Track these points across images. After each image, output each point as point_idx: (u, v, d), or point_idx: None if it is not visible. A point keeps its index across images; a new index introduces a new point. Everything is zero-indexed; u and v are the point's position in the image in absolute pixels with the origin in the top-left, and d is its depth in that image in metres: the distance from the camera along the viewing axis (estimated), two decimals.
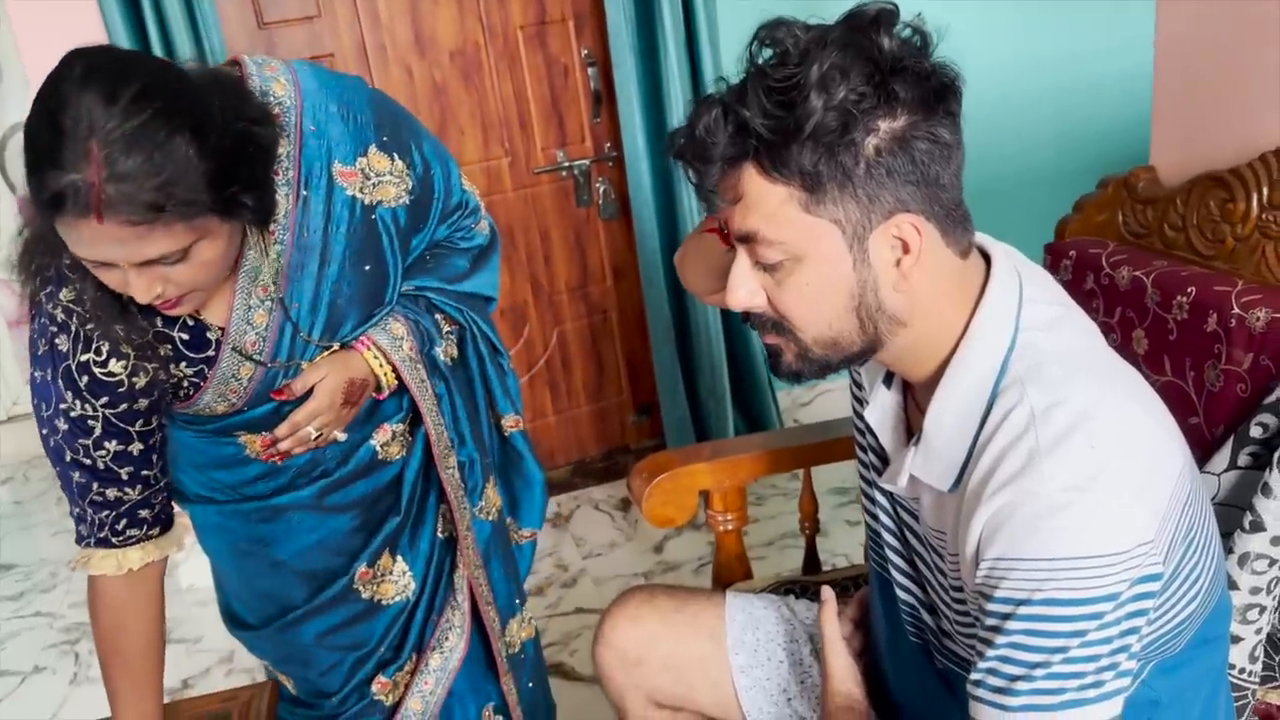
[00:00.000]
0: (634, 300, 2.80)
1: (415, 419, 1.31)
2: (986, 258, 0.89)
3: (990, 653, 0.77)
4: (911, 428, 0.96)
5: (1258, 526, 1.06)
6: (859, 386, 1.07)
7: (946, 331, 0.86)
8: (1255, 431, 1.10)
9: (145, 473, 1.12)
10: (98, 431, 1.08)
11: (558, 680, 2.07)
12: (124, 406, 1.08)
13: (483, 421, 1.40)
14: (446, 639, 1.38)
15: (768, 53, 0.80)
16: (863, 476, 1.06)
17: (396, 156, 1.19)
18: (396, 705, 1.38)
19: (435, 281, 1.30)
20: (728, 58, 2.45)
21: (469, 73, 2.50)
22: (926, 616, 0.99)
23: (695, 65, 2.43)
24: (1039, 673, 0.75)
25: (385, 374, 1.22)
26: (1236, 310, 1.15)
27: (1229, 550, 1.08)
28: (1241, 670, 1.10)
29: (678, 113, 2.41)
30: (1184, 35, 1.36)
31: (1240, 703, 1.10)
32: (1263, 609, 1.08)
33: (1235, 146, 1.26)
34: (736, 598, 1.28)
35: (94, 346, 1.05)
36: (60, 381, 1.06)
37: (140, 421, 1.10)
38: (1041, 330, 0.84)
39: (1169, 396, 1.25)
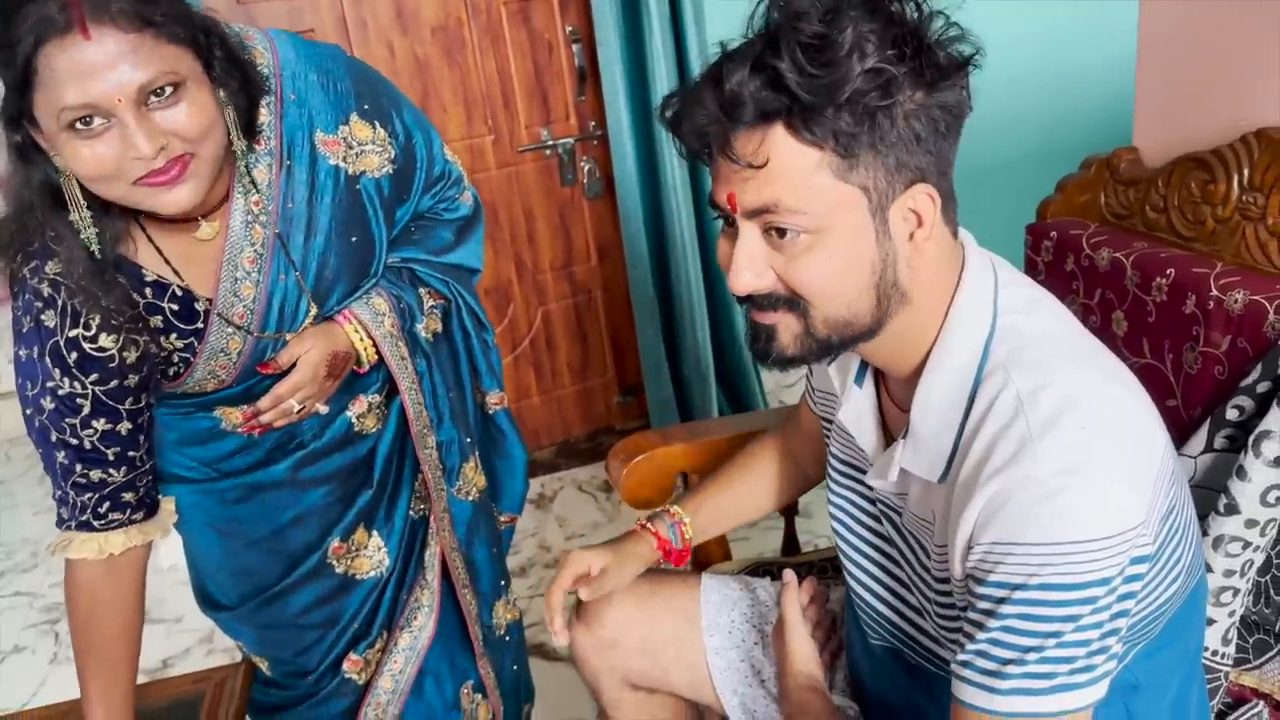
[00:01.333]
0: (619, 280, 2.79)
1: (391, 391, 1.30)
2: None
3: (980, 635, 0.77)
4: (888, 425, 0.95)
5: (1232, 509, 1.05)
6: (823, 390, 1.07)
7: (932, 316, 0.84)
8: (1231, 414, 1.10)
9: (131, 454, 1.10)
10: (86, 410, 1.05)
11: (538, 660, 2.07)
12: (114, 383, 1.05)
13: (467, 398, 1.39)
14: (415, 618, 1.37)
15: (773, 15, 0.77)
16: (832, 480, 1.05)
17: (378, 125, 1.17)
18: (367, 684, 1.37)
19: (420, 253, 1.29)
20: (712, 35, 2.42)
21: (451, 49, 2.48)
22: (900, 620, 0.99)
23: (680, 43, 2.40)
24: (1031, 657, 0.75)
25: (365, 348, 1.21)
26: (1215, 292, 1.14)
27: (1203, 533, 1.08)
28: (1215, 652, 1.10)
29: (662, 91, 2.38)
30: (1167, 16, 1.35)
31: (1213, 685, 1.10)
32: (1236, 591, 1.08)
33: (1217, 127, 1.25)
34: (712, 579, 1.28)
35: (83, 321, 1.02)
36: (48, 359, 1.03)
37: (130, 400, 1.08)
38: (1020, 313, 0.84)
39: (1147, 378, 1.24)
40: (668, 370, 2.72)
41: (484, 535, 1.42)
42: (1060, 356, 0.81)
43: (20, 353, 1.04)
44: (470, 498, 1.39)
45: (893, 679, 1.03)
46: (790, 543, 1.58)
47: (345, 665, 1.35)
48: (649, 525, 1.19)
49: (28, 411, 1.06)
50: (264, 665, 1.38)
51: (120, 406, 1.07)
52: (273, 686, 1.38)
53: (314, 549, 1.29)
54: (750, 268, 0.81)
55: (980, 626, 0.77)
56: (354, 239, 1.18)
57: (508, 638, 1.51)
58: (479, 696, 1.49)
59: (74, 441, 1.06)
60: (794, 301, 0.82)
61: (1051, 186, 1.50)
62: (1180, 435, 1.17)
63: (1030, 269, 1.45)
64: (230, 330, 1.11)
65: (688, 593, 1.25)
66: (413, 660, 1.38)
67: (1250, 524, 1.05)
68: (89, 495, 1.09)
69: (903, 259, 0.81)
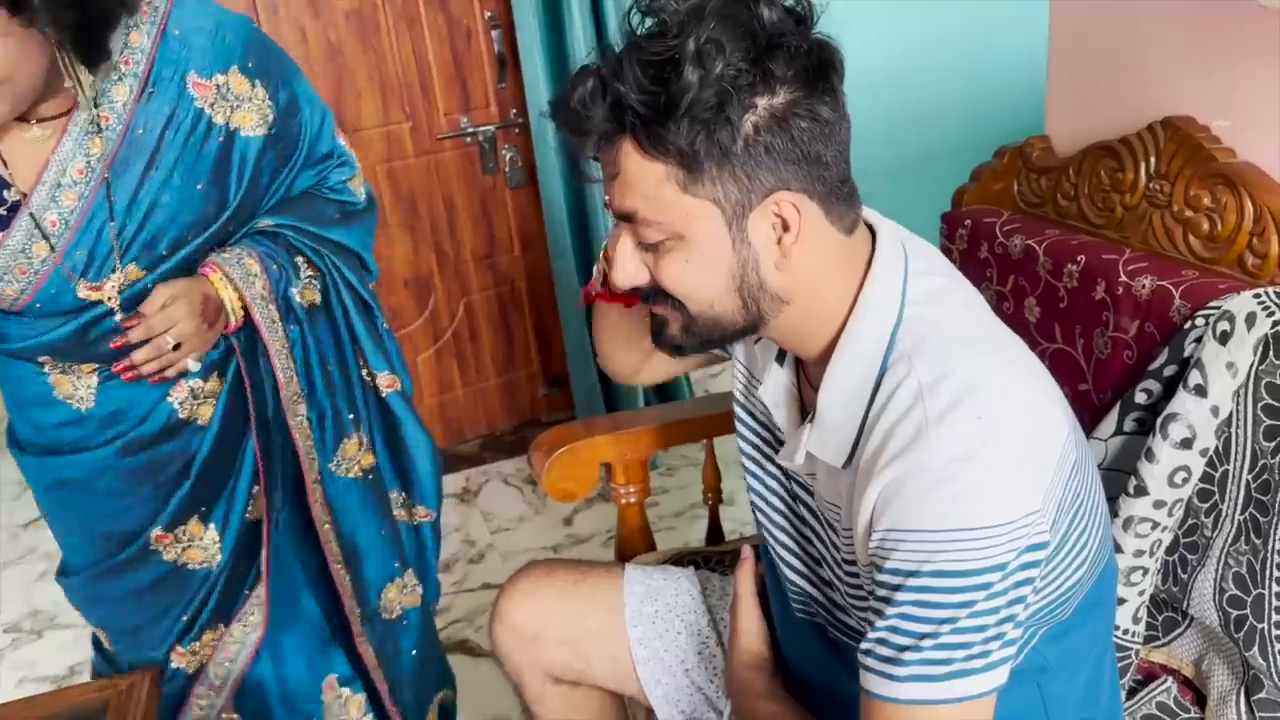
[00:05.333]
0: (543, 270, 2.75)
1: (232, 378, 1.28)
2: (873, 232, 0.88)
3: (880, 623, 0.77)
4: (805, 405, 0.96)
5: (1141, 491, 1.08)
6: (746, 369, 1.07)
7: (833, 308, 0.85)
8: (1140, 398, 1.12)
9: None
10: None
11: (462, 657, 2.04)
12: None
13: (351, 375, 1.36)
14: (253, 614, 1.37)
15: (650, 22, 0.78)
16: (747, 456, 1.05)
17: (259, 84, 1.19)
18: (196, 673, 1.36)
19: (296, 221, 1.28)
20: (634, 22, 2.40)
21: (366, 34, 2.41)
22: (815, 592, 0.99)
23: (600, 29, 2.38)
24: (927, 643, 0.75)
25: (232, 302, 1.20)
26: (1123, 278, 1.17)
27: (1114, 514, 1.10)
28: (1125, 631, 1.13)
29: None
30: (1077, 9, 1.37)
31: (1124, 663, 1.13)
32: (1145, 571, 1.11)
33: (1125, 116, 1.27)
34: (636, 570, 1.27)
35: None
36: None
37: None
38: (927, 303, 0.84)
39: (1059, 364, 1.27)
40: (593, 361, 2.69)
41: (372, 515, 1.40)
42: (964, 345, 0.81)
43: None
44: (351, 474, 1.37)
45: (812, 653, 1.04)
46: (715, 531, 1.58)
47: (173, 657, 1.34)
48: None
49: None
50: (104, 638, 1.37)
51: None
52: (112, 664, 1.38)
53: (137, 536, 1.28)
54: (630, 263, 0.85)
55: (880, 614, 0.77)
56: (200, 187, 1.17)
57: (405, 622, 1.48)
58: (347, 691, 1.46)
59: None
60: (673, 298, 0.85)
61: (969, 176, 1.52)
62: (1091, 419, 1.19)
63: (945, 257, 1.47)
64: (37, 234, 1.09)
65: (610, 584, 1.24)
66: (244, 652, 1.37)
67: (1158, 505, 1.08)
68: None
69: (768, 264, 0.81)
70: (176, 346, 1.17)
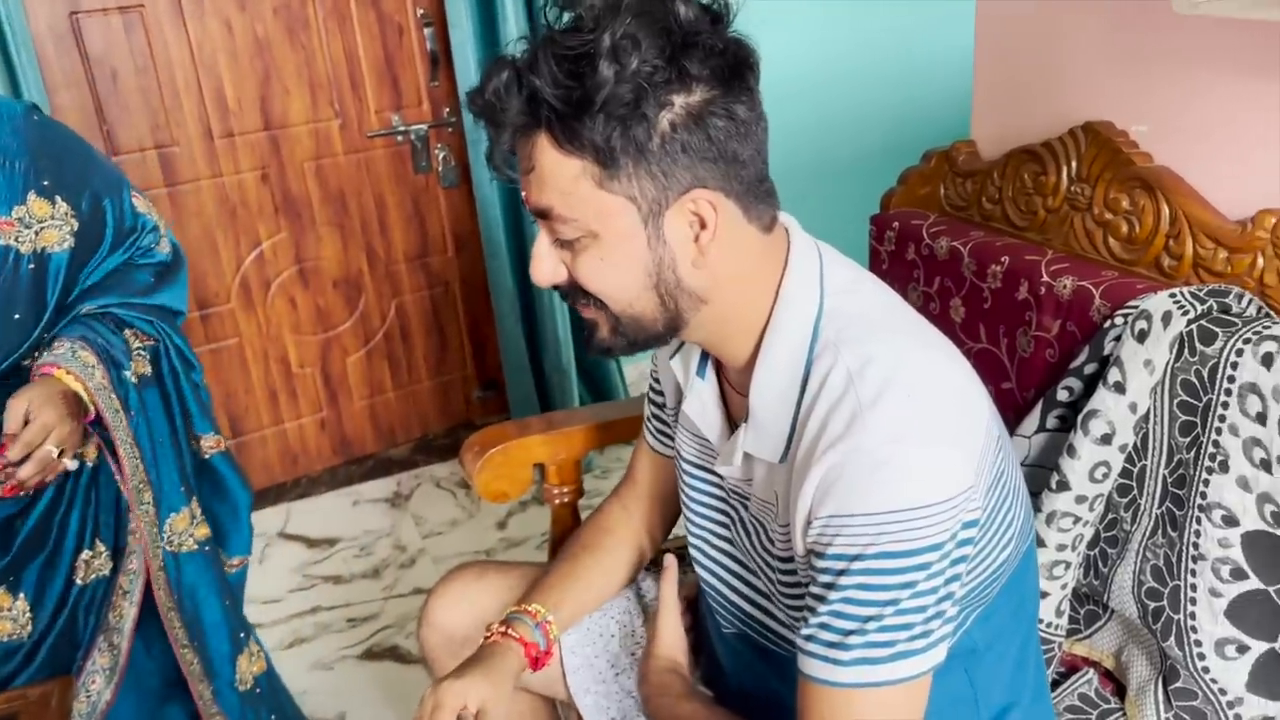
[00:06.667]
0: (477, 271, 2.73)
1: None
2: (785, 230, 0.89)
3: (822, 609, 0.77)
4: (731, 413, 0.96)
5: (1063, 486, 1.10)
6: (658, 393, 1.07)
7: (754, 305, 0.86)
8: (1062, 395, 1.15)
9: None
10: None
11: (391, 664, 2.01)
12: None
13: (181, 443, 1.34)
14: (93, 682, 1.32)
15: (567, 17, 0.78)
16: (685, 472, 1.04)
17: (59, 199, 1.17)
18: None
19: (118, 297, 1.26)
20: (568, 20, 2.39)
21: (294, 28, 2.36)
22: (747, 605, 1.00)
23: (535, 27, 2.36)
24: (871, 626, 0.75)
25: (84, 394, 1.17)
26: (1046, 279, 1.19)
27: (1038, 509, 1.12)
28: (1049, 624, 1.15)
29: None
30: (1001, 15, 1.40)
31: (1048, 655, 1.15)
32: (1068, 565, 1.13)
33: (1048, 121, 1.30)
34: None
35: None
36: None
37: None
38: (844, 293, 0.86)
39: (984, 363, 1.29)
40: (528, 363, 2.67)
41: (213, 587, 1.37)
42: (881, 331, 0.83)
43: None
44: (185, 549, 1.33)
45: (747, 665, 1.04)
46: None
47: None
48: (511, 631, 1.06)
49: None
50: None
51: None
52: None
53: None
54: (546, 261, 0.84)
55: (822, 600, 0.78)
56: (17, 316, 1.15)
57: (258, 690, 1.45)
58: None
59: None
60: (596, 298, 0.84)
61: (896, 179, 1.54)
62: (1015, 416, 1.21)
63: (874, 258, 1.49)
64: None
65: None
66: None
67: (1080, 499, 1.10)
68: None
69: (685, 262, 0.81)
70: (60, 453, 1.13)
